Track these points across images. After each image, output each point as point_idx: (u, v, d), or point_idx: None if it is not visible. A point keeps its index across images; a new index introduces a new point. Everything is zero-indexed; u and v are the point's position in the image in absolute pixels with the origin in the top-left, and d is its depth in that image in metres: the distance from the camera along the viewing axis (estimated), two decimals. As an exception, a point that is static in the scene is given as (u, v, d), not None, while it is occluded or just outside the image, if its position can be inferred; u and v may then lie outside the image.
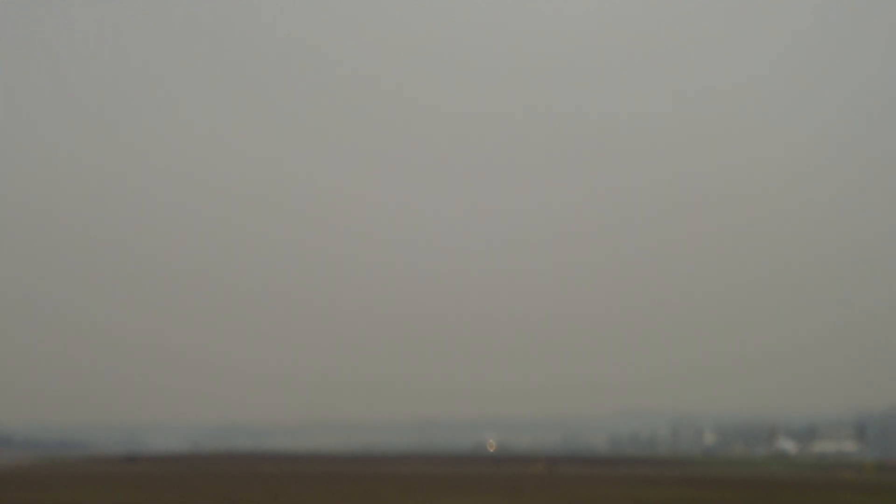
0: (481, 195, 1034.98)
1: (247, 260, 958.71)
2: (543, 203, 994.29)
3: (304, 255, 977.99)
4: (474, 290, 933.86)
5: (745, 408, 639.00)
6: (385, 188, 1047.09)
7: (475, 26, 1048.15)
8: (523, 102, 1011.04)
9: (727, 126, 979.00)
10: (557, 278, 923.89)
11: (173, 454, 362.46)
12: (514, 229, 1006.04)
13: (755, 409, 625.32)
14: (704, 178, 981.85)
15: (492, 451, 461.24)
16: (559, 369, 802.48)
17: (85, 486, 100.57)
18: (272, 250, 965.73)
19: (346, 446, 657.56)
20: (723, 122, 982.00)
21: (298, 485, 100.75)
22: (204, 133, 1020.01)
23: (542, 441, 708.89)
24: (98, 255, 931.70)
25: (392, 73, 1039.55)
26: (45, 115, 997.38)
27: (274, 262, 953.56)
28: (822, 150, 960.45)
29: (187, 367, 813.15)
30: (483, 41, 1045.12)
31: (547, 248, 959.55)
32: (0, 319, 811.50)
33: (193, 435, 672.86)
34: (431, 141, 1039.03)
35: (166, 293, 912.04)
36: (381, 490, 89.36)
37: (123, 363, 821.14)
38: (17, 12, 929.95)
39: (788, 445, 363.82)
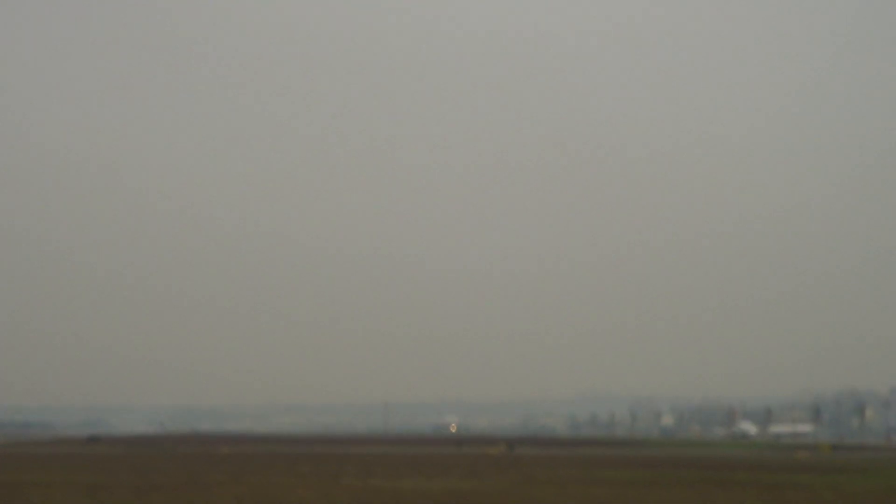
0: (450, 194, 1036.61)
1: (212, 245, 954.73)
2: (520, 198, 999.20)
3: (267, 241, 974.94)
4: (438, 277, 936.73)
5: (701, 391, 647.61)
6: (349, 184, 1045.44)
7: (475, 26, 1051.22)
8: (528, 103, 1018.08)
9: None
10: (519, 266, 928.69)
11: (136, 436, 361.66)
12: (479, 219, 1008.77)
13: (711, 392, 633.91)
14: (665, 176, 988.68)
15: (453, 432, 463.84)
16: (520, 353, 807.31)
17: (47, 466, 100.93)
18: (236, 237, 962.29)
19: (307, 428, 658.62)
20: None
21: (260, 466, 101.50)
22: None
23: (503, 423, 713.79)
24: (63, 238, 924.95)
25: (392, 72, 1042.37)
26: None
27: (236, 247, 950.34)
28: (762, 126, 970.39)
29: (151, 350, 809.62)
30: (483, 41, 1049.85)
31: (506, 237, 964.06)
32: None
33: (155, 417, 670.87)
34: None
35: (130, 278, 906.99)
36: (343, 471, 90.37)
37: (86, 346, 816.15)
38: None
39: (748, 427, 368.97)
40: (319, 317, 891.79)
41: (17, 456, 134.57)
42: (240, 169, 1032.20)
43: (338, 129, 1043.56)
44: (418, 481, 75.01)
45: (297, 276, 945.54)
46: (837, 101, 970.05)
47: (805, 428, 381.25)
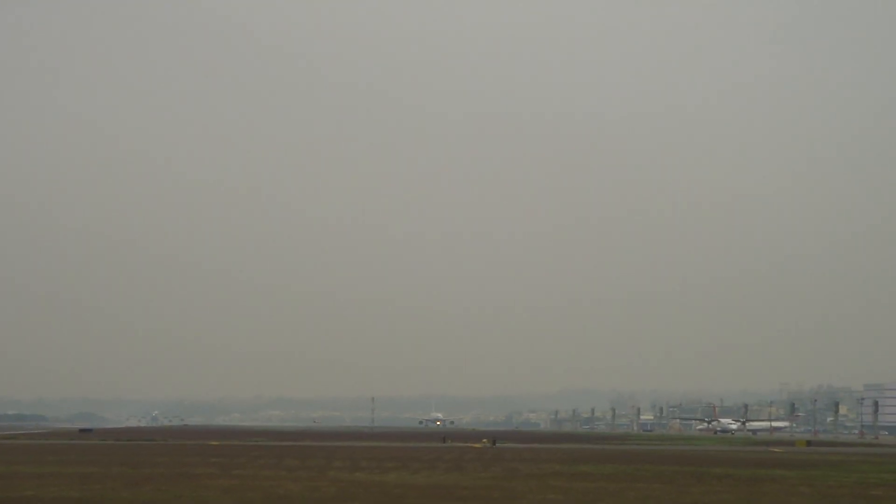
0: (442, 186, 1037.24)
1: (206, 241, 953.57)
2: (506, 198, 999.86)
3: (257, 237, 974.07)
4: (423, 275, 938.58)
5: (681, 387, 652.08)
6: (342, 173, 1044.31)
7: (474, 27, 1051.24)
8: (528, 102, 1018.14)
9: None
10: (504, 263, 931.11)
11: (128, 428, 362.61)
12: (465, 217, 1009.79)
13: (691, 388, 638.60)
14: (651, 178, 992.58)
15: (437, 427, 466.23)
16: (504, 350, 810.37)
17: (39, 458, 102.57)
18: (228, 233, 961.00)
19: (294, 423, 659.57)
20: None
21: (248, 459, 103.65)
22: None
23: (487, 418, 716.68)
24: (62, 234, 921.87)
25: (391, 73, 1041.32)
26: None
27: (231, 243, 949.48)
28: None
29: (142, 344, 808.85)
30: (482, 42, 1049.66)
31: (492, 235, 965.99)
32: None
33: (145, 411, 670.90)
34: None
35: (124, 272, 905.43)
36: (329, 465, 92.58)
37: (78, 340, 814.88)
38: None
39: (729, 423, 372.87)
40: (306, 312, 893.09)
41: (11, 448, 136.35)
42: (236, 165, 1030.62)
43: (340, 129, 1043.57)
44: (403, 475, 77.29)
45: (284, 272, 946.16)
46: (829, 105, 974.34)
47: (781, 423, 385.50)
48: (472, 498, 58.40)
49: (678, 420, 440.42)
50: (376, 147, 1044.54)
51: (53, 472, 78.49)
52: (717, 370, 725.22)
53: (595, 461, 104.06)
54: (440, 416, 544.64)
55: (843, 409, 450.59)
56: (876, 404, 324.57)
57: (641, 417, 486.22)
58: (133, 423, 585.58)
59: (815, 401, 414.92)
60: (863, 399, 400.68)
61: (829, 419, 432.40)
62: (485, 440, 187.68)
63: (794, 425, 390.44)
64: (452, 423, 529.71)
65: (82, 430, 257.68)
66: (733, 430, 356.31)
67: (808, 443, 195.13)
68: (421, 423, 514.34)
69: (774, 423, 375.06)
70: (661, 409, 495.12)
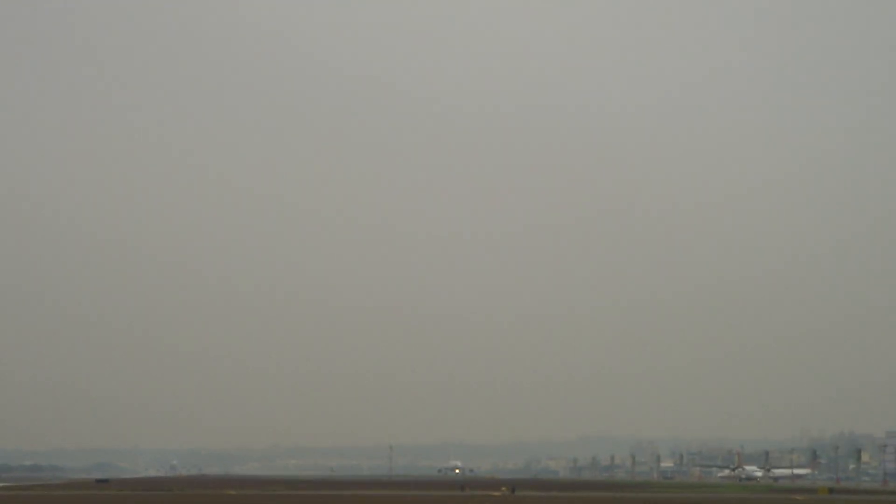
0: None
1: (215, 290, 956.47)
2: (521, 242, 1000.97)
3: (271, 286, 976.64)
4: (441, 321, 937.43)
5: (701, 434, 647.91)
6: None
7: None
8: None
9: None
10: (522, 310, 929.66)
11: (144, 479, 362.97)
12: (483, 264, 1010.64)
13: (711, 435, 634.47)
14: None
15: (457, 475, 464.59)
16: (522, 397, 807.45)
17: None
18: (241, 284, 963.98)
19: (312, 471, 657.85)
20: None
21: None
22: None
23: (506, 466, 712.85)
24: (69, 275, 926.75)
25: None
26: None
27: (240, 294, 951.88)
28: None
29: (158, 394, 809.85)
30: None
31: (509, 283, 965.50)
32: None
33: (163, 460, 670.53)
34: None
35: (137, 323, 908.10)
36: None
37: (94, 390, 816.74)
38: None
39: (754, 470, 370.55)
40: (324, 360, 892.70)
41: (28, 500, 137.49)
42: (240, 219, 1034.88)
43: (344, 176, 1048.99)
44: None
45: (302, 320, 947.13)
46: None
47: (803, 471, 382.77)
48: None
49: (699, 468, 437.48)
50: (388, 193, 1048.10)
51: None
52: (736, 417, 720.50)
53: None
54: (459, 463, 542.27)
55: (864, 457, 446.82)
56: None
57: (661, 464, 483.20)
58: (152, 472, 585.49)
59: (837, 448, 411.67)
60: (885, 446, 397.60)
61: (851, 466, 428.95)
62: (504, 488, 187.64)
63: (816, 472, 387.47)
64: (472, 471, 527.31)
65: (99, 481, 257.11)
66: (758, 477, 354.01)
67: (831, 490, 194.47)
68: (440, 471, 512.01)
69: (796, 471, 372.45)
70: (682, 455, 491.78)
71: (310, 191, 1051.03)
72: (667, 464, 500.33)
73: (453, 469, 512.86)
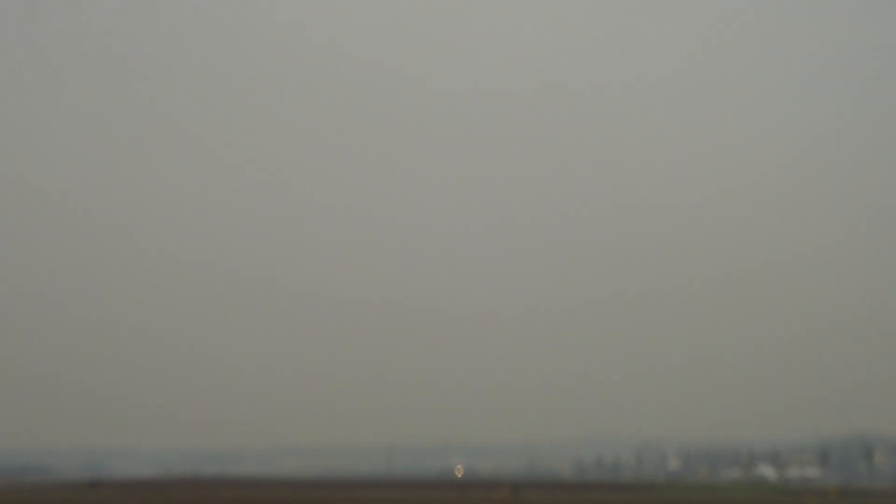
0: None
1: (212, 288, 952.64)
2: (525, 240, 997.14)
3: (270, 283, 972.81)
4: (441, 319, 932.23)
5: (708, 434, 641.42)
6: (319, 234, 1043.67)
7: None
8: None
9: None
10: (525, 309, 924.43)
11: (136, 479, 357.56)
12: (483, 262, 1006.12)
13: (718, 435, 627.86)
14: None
15: (459, 476, 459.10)
16: (525, 396, 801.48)
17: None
18: (239, 281, 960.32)
19: (311, 471, 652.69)
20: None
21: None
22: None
23: (508, 466, 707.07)
24: (64, 274, 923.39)
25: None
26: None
27: (237, 291, 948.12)
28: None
29: (152, 393, 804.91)
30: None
31: (512, 281, 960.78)
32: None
33: (157, 460, 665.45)
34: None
35: (130, 321, 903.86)
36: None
37: (87, 389, 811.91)
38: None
39: (766, 471, 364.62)
40: (322, 359, 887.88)
41: (19, 501, 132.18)
42: (240, 220, 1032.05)
43: (345, 177, 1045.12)
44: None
45: (301, 320, 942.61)
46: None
47: (813, 472, 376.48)
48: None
49: (706, 468, 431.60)
50: (389, 191, 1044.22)
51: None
52: (744, 416, 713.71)
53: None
54: (460, 464, 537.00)
55: (877, 457, 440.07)
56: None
57: (667, 465, 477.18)
58: (143, 472, 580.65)
59: (848, 448, 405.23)
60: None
61: (862, 467, 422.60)
62: (506, 489, 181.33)
63: (827, 473, 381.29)
64: (472, 471, 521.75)
65: (91, 482, 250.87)
66: (771, 478, 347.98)
67: (841, 492, 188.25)
68: (441, 471, 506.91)
69: (806, 471, 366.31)
70: (689, 455, 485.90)
71: (310, 191, 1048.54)
72: (673, 463, 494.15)
73: (454, 469, 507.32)
